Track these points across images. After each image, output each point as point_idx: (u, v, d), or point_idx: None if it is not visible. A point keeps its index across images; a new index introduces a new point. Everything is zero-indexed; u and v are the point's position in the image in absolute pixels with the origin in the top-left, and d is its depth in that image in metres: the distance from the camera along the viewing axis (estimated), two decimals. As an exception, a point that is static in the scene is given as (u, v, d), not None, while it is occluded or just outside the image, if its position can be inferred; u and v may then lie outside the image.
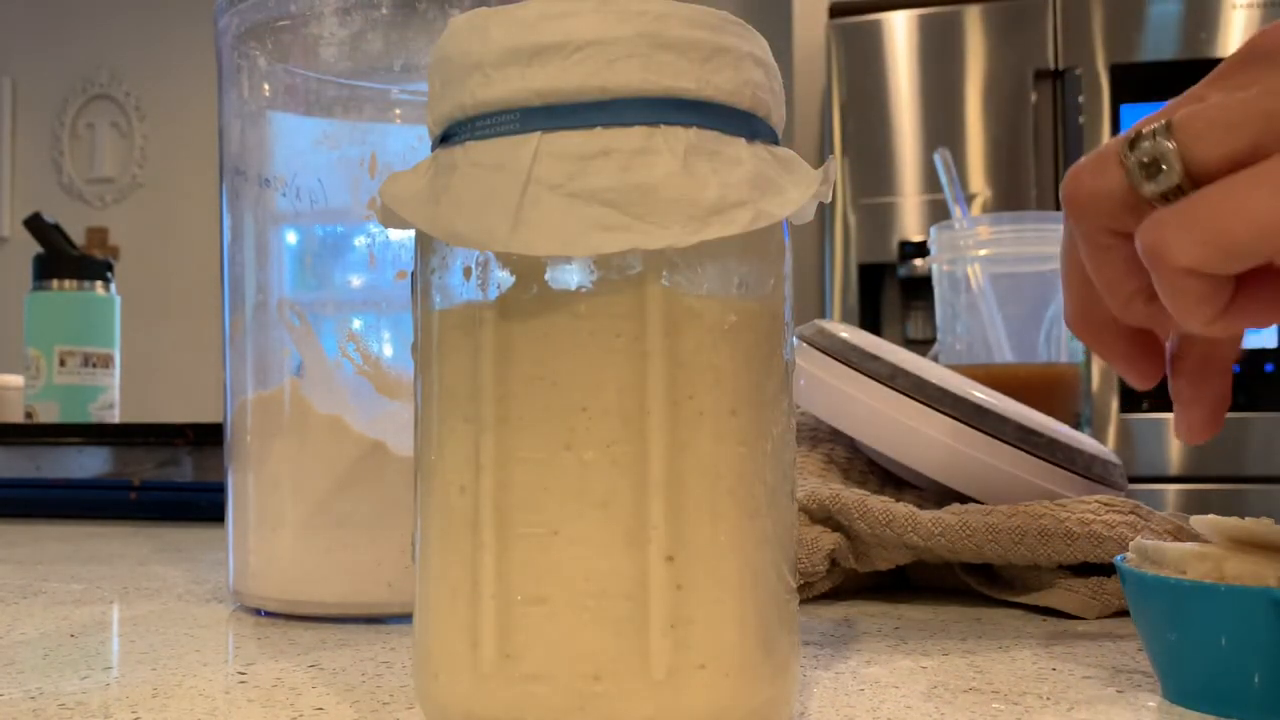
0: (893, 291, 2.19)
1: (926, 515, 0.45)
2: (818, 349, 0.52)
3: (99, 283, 1.26)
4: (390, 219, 0.29)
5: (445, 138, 0.28)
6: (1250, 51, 0.30)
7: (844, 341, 0.52)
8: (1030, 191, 2.02)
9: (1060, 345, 0.74)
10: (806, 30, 2.30)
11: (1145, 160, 0.29)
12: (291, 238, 0.46)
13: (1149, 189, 0.29)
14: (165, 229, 3.39)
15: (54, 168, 3.50)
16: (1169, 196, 0.28)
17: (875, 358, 0.50)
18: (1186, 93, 0.31)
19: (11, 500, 0.92)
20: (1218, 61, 0.31)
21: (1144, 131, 0.29)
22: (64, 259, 1.26)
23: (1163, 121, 0.29)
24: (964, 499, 0.49)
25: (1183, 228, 0.28)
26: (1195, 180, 0.28)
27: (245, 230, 0.46)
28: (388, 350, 0.44)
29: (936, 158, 0.80)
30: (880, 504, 0.46)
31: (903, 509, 0.45)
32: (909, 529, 0.45)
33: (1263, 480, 1.83)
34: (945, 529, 0.44)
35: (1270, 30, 0.29)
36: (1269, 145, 0.27)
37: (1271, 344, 1.89)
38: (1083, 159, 0.32)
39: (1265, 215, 0.26)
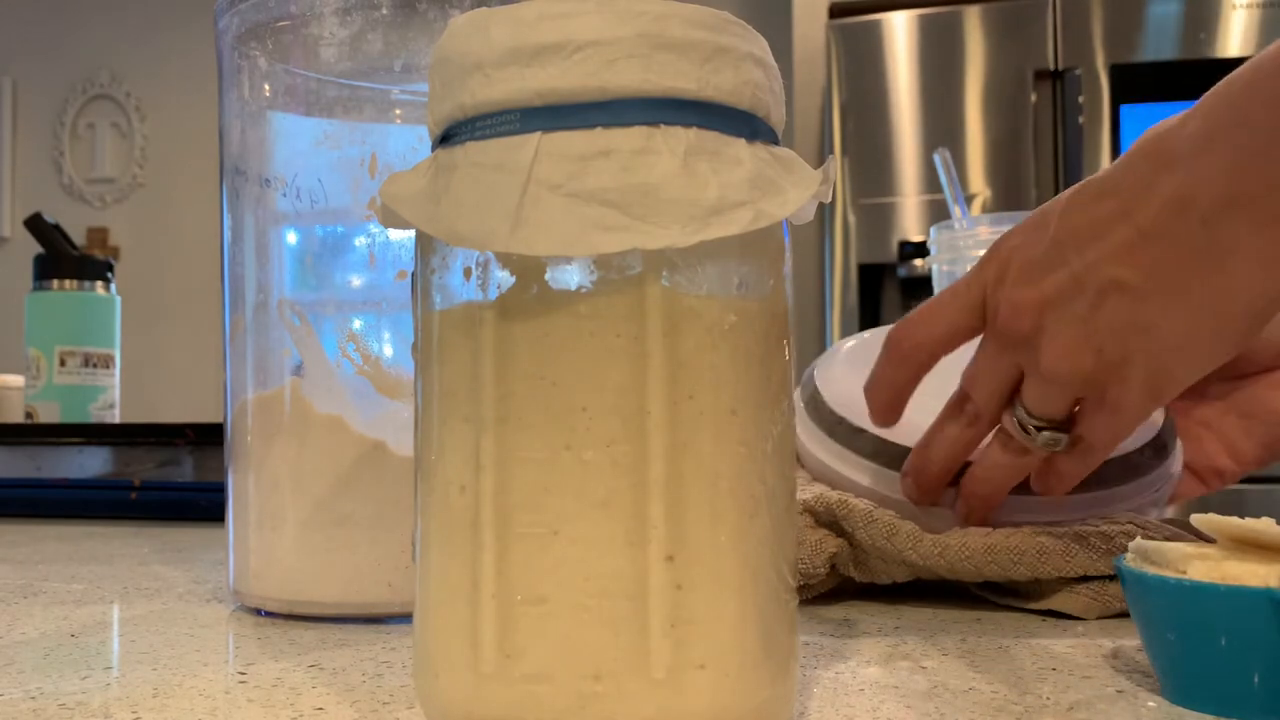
0: (893, 291, 2.19)
1: (929, 536, 0.45)
2: (809, 418, 0.52)
3: (99, 283, 1.26)
4: (390, 219, 0.29)
5: (445, 138, 0.28)
6: (1046, 224, 0.41)
7: (831, 414, 0.51)
8: (1030, 191, 2.03)
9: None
10: (806, 30, 2.30)
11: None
12: (292, 238, 0.46)
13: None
14: (165, 229, 3.39)
15: (54, 168, 3.50)
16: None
17: (861, 431, 0.50)
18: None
19: (11, 500, 0.92)
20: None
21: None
22: (64, 259, 1.26)
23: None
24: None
25: None
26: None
27: (245, 230, 0.46)
28: (388, 350, 0.44)
29: (936, 158, 0.80)
30: (888, 517, 0.46)
31: (908, 525, 0.46)
32: (909, 546, 0.45)
33: (1263, 480, 1.83)
34: (945, 550, 0.45)
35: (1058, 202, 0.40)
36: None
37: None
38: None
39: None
